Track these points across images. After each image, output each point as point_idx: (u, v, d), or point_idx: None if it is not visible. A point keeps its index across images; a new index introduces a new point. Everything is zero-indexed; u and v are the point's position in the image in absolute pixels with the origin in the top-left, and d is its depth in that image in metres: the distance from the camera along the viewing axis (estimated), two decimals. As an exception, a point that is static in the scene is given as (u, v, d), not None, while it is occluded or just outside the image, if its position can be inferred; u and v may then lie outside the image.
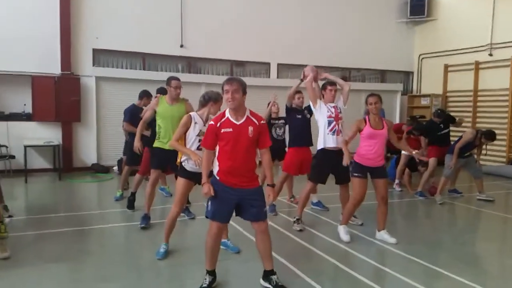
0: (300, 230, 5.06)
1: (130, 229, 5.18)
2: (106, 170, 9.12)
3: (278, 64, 11.22)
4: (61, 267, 3.94)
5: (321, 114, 4.97)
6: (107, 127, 9.32)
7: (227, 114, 3.25)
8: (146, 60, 9.99)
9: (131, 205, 5.88)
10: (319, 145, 4.99)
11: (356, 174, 4.65)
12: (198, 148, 3.85)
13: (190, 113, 4.09)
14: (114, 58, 9.71)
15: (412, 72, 13.05)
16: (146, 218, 5.10)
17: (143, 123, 5.15)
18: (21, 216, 5.56)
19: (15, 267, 3.82)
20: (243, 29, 10.57)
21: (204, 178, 3.27)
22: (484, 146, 7.22)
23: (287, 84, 9.15)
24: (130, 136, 6.37)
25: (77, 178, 8.43)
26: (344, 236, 4.71)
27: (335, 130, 4.90)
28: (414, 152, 5.33)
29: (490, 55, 10.71)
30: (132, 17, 9.53)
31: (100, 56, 9.54)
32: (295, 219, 5.22)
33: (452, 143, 7.07)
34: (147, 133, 5.56)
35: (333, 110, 4.95)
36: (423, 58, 12.67)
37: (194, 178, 3.98)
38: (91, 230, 5.15)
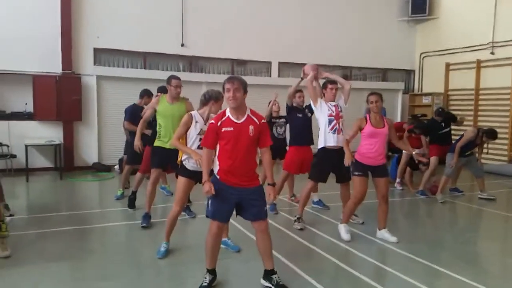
0: (301, 229, 5.06)
1: (131, 227, 5.18)
2: (107, 169, 9.13)
3: (279, 63, 11.21)
4: (62, 265, 3.95)
5: (321, 113, 4.96)
6: (108, 126, 9.33)
7: (228, 113, 3.24)
8: (147, 59, 10.00)
9: (132, 204, 5.89)
10: (320, 144, 4.98)
11: (357, 173, 4.65)
12: (199, 147, 3.85)
13: (191, 112, 4.09)
14: (115, 57, 9.72)
15: (414, 71, 13.02)
16: (147, 217, 5.10)
17: (143, 122, 5.16)
18: (22, 215, 5.57)
19: (16, 266, 3.83)
20: (244, 28, 10.56)
21: (205, 177, 3.26)
22: (485, 145, 7.21)
23: (288, 83, 9.08)
24: (131, 135, 6.38)
25: (78, 177, 8.45)
26: (345, 235, 4.71)
27: (335, 128, 4.89)
28: (413, 152, 5.31)
29: (492, 53, 10.68)
30: (133, 16, 9.53)
31: (101, 55, 9.55)
32: (295, 218, 5.22)
33: (453, 142, 7.06)
34: (148, 131, 5.57)
35: (333, 108, 4.95)
36: (424, 57, 12.64)
37: (195, 177, 3.98)
38: (92, 229, 5.16)
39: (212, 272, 3.43)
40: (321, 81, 5.29)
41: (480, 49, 10.88)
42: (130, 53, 9.78)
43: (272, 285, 3.38)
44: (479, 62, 10.95)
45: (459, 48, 11.38)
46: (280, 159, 6.08)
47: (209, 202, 3.32)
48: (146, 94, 6.69)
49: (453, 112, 8.50)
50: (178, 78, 4.92)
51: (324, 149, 4.94)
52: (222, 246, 3.77)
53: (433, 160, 7.18)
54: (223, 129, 3.20)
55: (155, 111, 4.93)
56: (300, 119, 5.64)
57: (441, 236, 5.11)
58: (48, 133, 8.95)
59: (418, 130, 7.54)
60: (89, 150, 9.35)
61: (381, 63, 12.39)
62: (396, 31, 12.50)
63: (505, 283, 3.74)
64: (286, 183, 6.16)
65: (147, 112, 5.12)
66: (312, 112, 5.37)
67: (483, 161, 7.77)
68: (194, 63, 10.48)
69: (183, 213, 5.03)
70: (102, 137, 9.40)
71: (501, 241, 5.22)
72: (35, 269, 3.79)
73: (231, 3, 10.49)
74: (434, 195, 6.94)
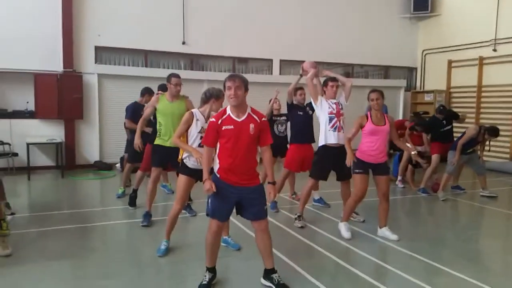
0: (301, 227, 5.06)
1: (132, 226, 5.18)
2: (109, 167, 9.14)
3: (281, 61, 11.18)
4: (63, 264, 3.96)
5: (322, 111, 4.95)
6: (109, 124, 9.34)
7: (228, 111, 3.23)
8: (148, 57, 9.99)
9: (132, 202, 5.90)
10: (321, 141, 4.96)
11: (358, 171, 4.62)
12: (200, 145, 3.84)
13: (192, 110, 4.08)
14: (116, 55, 9.72)
15: (416, 68, 12.98)
16: (147, 216, 5.10)
17: (143, 121, 5.16)
18: (23, 213, 5.58)
19: (17, 264, 3.83)
20: (245, 26, 10.54)
21: (205, 175, 3.25)
22: (487, 142, 7.18)
23: (289, 80, 8.99)
24: (132, 133, 6.38)
25: (79, 176, 8.46)
26: (345, 233, 4.70)
27: (336, 126, 4.87)
28: (412, 153, 5.24)
29: (494, 50, 10.62)
30: (134, 14, 9.52)
31: (102, 53, 9.55)
32: (296, 216, 5.21)
33: (455, 139, 7.03)
34: (148, 129, 5.56)
35: (334, 106, 4.93)
36: (426, 54, 12.59)
37: (195, 175, 3.98)
38: (93, 227, 5.17)
39: (212, 270, 3.43)
40: (322, 79, 5.27)
41: (483, 46, 10.83)
42: (131, 51, 9.78)
43: (273, 284, 3.38)
44: (481, 59, 10.90)
45: (462, 45, 11.33)
46: (281, 157, 6.07)
47: (209, 200, 3.31)
48: (147, 92, 6.69)
49: (455, 110, 8.47)
50: (178, 76, 4.91)
51: (324, 147, 4.93)
52: (222, 244, 3.77)
53: (435, 158, 7.16)
54: (224, 127, 3.18)
55: (155, 109, 4.93)
56: (301, 117, 5.63)
57: (442, 234, 5.09)
58: (50, 131, 8.97)
59: (419, 127, 7.51)
60: (90, 148, 9.37)
61: (383, 60, 12.34)
62: (398, 28, 12.46)
63: (506, 281, 3.73)
64: (287, 181, 6.16)
65: (147, 111, 5.12)
66: (313, 109, 5.35)
67: (485, 158, 7.73)
68: (195, 61, 10.47)
69: (183, 211, 5.03)
70: (103, 135, 9.41)
71: (502, 239, 5.20)
72: (36, 268, 3.80)
73: (232, 1, 10.46)
74: (436, 193, 6.92)
